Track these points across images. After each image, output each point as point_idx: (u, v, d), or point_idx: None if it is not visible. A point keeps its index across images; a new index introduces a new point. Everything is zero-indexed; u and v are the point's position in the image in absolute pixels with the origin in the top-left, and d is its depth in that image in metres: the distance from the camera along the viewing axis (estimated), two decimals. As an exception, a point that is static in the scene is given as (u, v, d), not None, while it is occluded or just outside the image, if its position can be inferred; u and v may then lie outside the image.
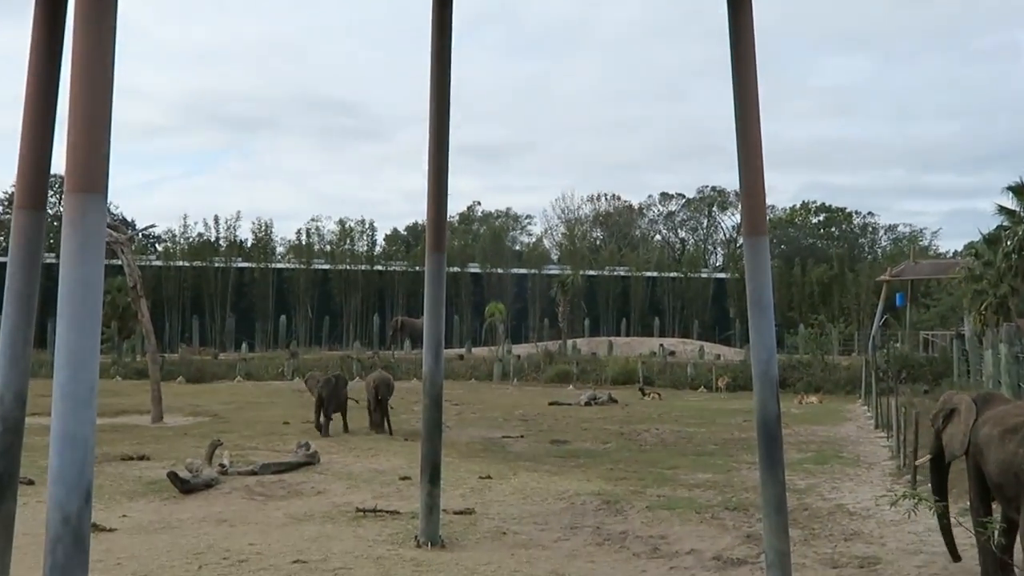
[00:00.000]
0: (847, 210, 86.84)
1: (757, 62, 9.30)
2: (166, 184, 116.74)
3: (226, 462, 16.89)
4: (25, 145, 8.03)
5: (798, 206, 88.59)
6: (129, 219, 71.69)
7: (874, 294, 58.37)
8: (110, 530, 12.47)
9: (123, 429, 23.88)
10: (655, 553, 11.72)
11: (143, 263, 54.44)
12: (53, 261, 44.81)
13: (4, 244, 61.02)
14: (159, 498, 14.88)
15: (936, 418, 10.58)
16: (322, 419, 22.99)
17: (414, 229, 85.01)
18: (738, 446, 21.61)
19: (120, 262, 28.54)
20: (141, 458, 18.57)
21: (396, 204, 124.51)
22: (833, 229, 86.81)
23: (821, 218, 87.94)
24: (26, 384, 8.13)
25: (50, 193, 9.07)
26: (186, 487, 15.13)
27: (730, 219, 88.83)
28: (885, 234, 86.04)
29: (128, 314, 46.31)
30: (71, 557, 5.88)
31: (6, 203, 70.93)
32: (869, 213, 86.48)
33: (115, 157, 6.28)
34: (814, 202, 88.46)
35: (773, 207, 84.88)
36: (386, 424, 23.59)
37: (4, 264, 8.34)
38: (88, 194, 6.12)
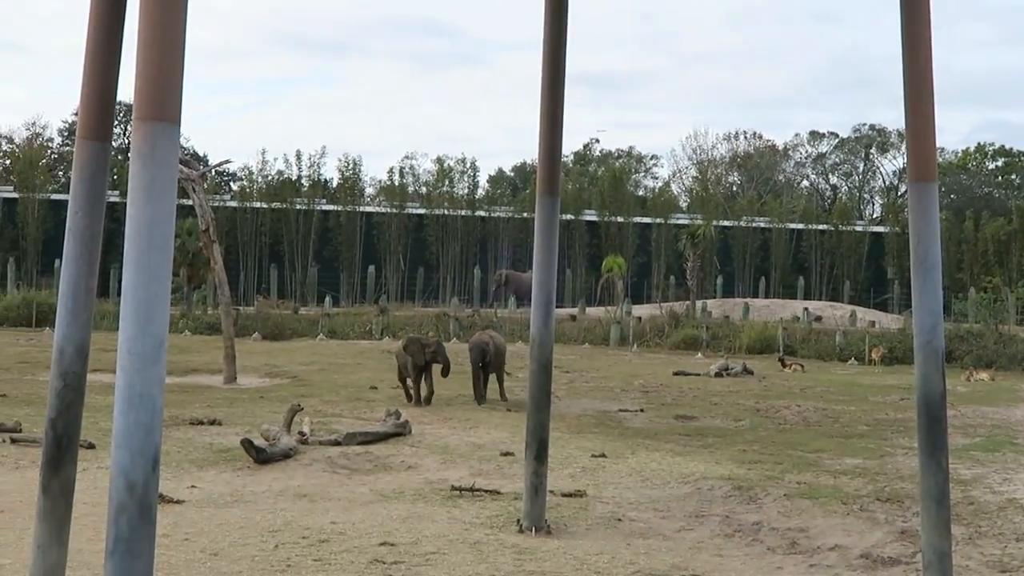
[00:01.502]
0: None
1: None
2: (242, 115, 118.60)
3: (306, 430, 17.18)
4: (89, 68, 8.16)
5: (972, 149, 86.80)
6: (201, 154, 72.94)
7: (1061, 254, 57.09)
8: (178, 502, 12.80)
9: (192, 390, 24.42)
10: (793, 548, 11.68)
11: (216, 204, 55.38)
12: (117, 200, 45.93)
13: (65, 179, 62.56)
14: (231, 468, 15.21)
15: None
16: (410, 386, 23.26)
17: (522, 170, 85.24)
18: (893, 428, 21.37)
19: (191, 202, 29.05)
20: (212, 423, 18.98)
21: (498, 140, 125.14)
22: (1014, 176, 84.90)
23: (999, 163, 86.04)
24: (88, 337, 8.32)
25: (115, 123, 9.25)
26: (262, 457, 15.43)
27: (891, 163, 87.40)
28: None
29: (199, 261, 47.15)
30: (137, 529, 6.01)
31: (67, 133, 72.75)
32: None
33: (185, 83, 6.35)
34: (991, 144, 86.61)
35: (943, 150, 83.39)
36: (483, 392, 23.90)
37: (65, 202, 8.53)
38: (160, 122, 6.19)
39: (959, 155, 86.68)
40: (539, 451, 12.23)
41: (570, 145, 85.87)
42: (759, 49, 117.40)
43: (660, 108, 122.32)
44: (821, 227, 70.76)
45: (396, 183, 70.25)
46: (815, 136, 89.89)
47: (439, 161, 71.15)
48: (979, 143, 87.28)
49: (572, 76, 12.16)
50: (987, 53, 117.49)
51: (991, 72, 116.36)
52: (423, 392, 22.90)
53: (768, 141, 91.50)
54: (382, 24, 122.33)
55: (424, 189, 70.27)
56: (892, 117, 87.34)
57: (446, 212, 67.70)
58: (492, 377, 24.47)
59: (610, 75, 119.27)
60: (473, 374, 23.94)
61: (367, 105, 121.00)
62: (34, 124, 77.77)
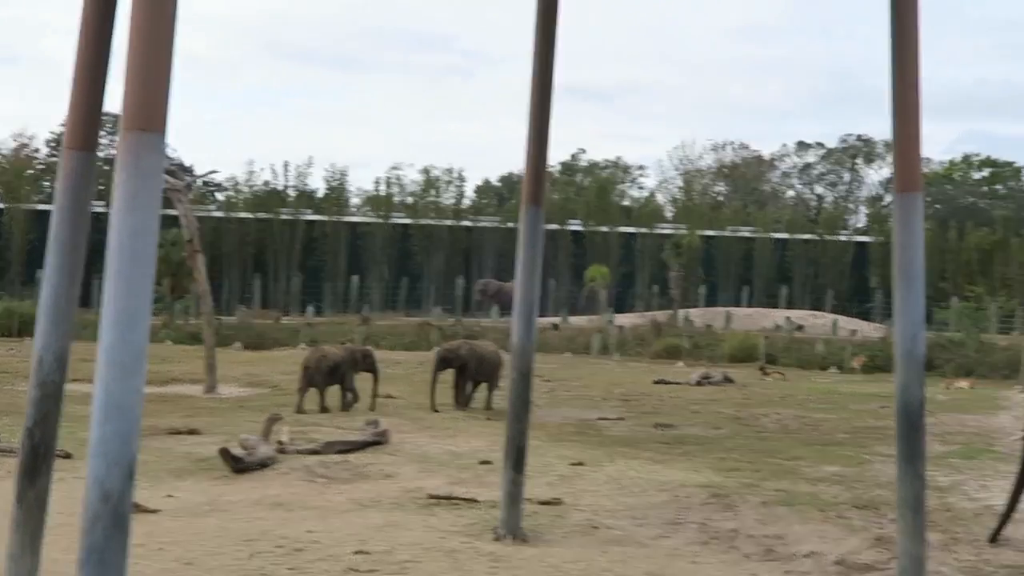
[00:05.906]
0: (1015, 165, 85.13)
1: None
2: (229, 125, 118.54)
3: (285, 439, 17.17)
4: (78, 78, 8.19)
5: (958, 159, 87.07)
6: (188, 164, 72.82)
7: (1044, 263, 57.34)
8: (153, 511, 12.73)
9: (172, 399, 24.40)
10: (769, 555, 11.74)
11: (201, 214, 55.32)
12: (101, 210, 45.71)
13: (51, 190, 62.39)
14: (209, 477, 15.20)
15: None
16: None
17: (508, 180, 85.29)
18: (872, 436, 21.47)
19: (176, 212, 29.05)
20: (190, 432, 18.94)
21: (485, 151, 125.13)
22: (999, 187, 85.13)
23: (985, 173, 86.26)
24: (68, 346, 8.35)
25: (102, 133, 9.29)
26: (239, 466, 15.41)
27: (877, 173, 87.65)
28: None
29: (182, 271, 47.13)
30: (110, 539, 6.02)
31: (54, 144, 72.63)
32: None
33: (173, 93, 6.37)
34: (976, 155, 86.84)
35: (928, 160, 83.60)
36: (465, 399, 24.15)
37: (50, 212, 8.56)
38: (146, 133, 6.21)
39: (945, 165, 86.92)
40: (517, 460, 12.26)
41: (557, 155, 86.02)
42: (747, 60, 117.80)
43: (648, 118, 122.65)
44: (806, 236, 70.90)
45: (383, 193, 70.23)
46: (802, 146, 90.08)
47: (426, 171, 71.24)
48: (965, 154, 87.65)
49: (560, 87, 12.17)
50: (972, 64, 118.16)
51: (975, 83, 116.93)
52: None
53: (755, 151, 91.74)
54: (370, 35, 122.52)
55: (410, 199, 70.26)
56: (879, 127, 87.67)
57: (432, 222, 67.70)
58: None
59: (599, 86, 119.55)
60: (431, 379, 23.92)
61: (355, 115, 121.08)
62: (21, 134, 77.70)
